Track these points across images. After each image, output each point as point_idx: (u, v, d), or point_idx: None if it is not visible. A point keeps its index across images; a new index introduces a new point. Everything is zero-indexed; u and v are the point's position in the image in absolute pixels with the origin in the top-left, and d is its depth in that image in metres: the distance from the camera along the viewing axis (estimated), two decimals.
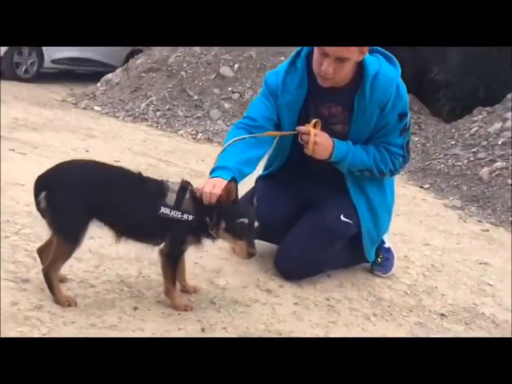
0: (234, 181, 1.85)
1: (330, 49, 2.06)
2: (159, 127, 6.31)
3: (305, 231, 2.38)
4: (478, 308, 2.59)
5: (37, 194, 1.74)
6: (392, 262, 2.74)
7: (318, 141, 2.20)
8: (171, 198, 1.84)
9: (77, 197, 1.73)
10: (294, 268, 2.36)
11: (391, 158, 2.33)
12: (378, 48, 2.33)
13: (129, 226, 1.86)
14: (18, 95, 7.06)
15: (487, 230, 4.21)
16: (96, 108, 6.91)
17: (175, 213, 1.82)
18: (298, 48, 2.33)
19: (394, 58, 2.33)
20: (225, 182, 1.89)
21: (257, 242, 2.83)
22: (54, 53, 8.94)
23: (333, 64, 2.10)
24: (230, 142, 2.16)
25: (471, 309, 2.56)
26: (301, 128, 2.22)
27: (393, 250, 2.78)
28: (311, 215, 2.43)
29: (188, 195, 1.86)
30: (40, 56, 8.74)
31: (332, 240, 2.38)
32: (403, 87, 2.27)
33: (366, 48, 2.13)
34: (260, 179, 2.44)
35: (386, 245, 2.73)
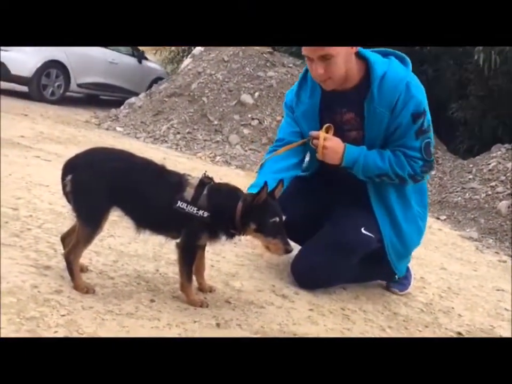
0: (265, 184, 1.85)
1: (309, 52, 2.10)
2: (179, 149, 6.41)
3: (324, 242, 2.36)
4: (495, 330, 2.54)
5: (63, 178, 1.79)
6: (409, 280, 2.71)
7: (328, 145, 2.22)
8: (189, 192, 1.85)
9: (100, 182, 1.77)
10: (308, 276, 2.35)
11: (408, 162, 2.23)
12: (392, 50, 2.32)
13: (147, 217, 1.89)
14: (44, 114, 7.26)
15: (505, 261, 4.15)
16: (118, 128, 7.06)
17: (191, 208, 1.83)
18: None
19: (408, 59, 2.29)
20: None
21: None
22: (80, 77, 9.24)
23: (320, 64, 2.10)
24: (258, 167, 2.30)
25: (488, 331, 2.51)
26: (312, 133, 2.26)
27: (411, 269, 2.75)
28: (331, 226, 2.40)
29: (206, 191, 1.88)
30: (67, 80, 9.02)
31: (349, 254, 2.34)
32: (416, 85, 2.19)
33: None
34: (294, 178, 2.43)
35: None
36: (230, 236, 1.93)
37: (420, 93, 2.19)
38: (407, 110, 2.15)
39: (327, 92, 2.27)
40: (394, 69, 2.19)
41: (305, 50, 2.13)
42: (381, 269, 2.53)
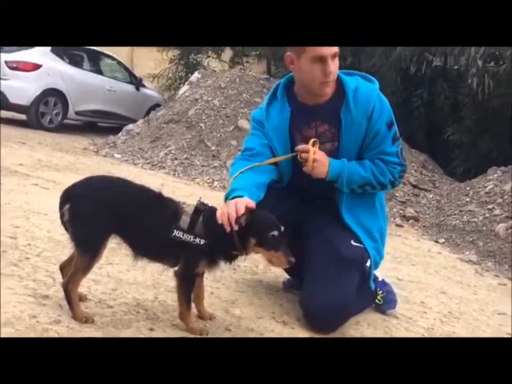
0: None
1: (327, 50, 2.16)
2: (176, 175, 6.43)
3: (322, 270, 2.30)
4: None
5: (61, 207, 1.80)
6: (393, 292, 2.70)
7: (317, 158, 2.25)
8: (185, 221, 1.86)
9: (98, 211, 1.78)
10: (324, 318, 2.21)
11: (388, 168, 2.31)
12: (354, 72, 2.44)
13: (145, 245, 1.89)
14: (42, 142, 7.30)
15: (505, 284, 4.13)
16: (116, 155, 7.09)
17: (188, 237, 1.83)
18: (276, 83, 2.48)
19: (372, 77, 2.43)
20: (244, 199, 1.94)
21: (274, 277, 2.84)
22: (78, 105, 9.31)
23: (332, 63, 2.18)
24: (236, 174, 2.21)
25: None
26: (300, 147, 2.29)
27: (386, 280, 2.73)
28: (321, 250, 2.35)
29: (201, 218, 1.88)
30: (65, 107, 9.08)
31: (350, 269, 2.31)
32: (384, 98, 2.34)
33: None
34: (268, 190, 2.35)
35: (380, 279, 2.67)
36: (231, 258, 1.92)
37: (388, 104, 2.35)
38: (382, 118, 2.28)
39: (296, 108, 2.34)
40: (363, 83, 2.34)
41: (324, 49, 2.15)
42: (364, 294, 2.48)
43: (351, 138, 2.29)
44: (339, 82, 2.30)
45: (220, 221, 1.85)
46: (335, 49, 2.18)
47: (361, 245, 2.37)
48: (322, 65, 2.18)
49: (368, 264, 2.39)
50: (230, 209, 1.85)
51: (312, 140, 2.28)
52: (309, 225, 2.45)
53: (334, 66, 2.20)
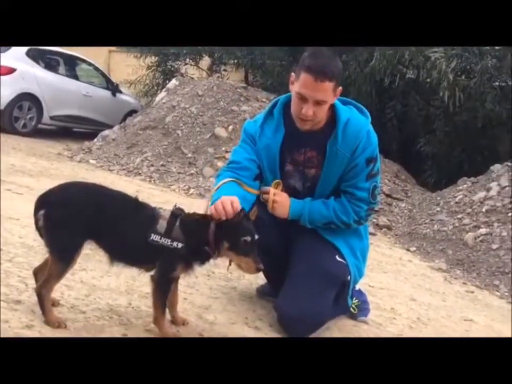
0: (242, 210, 1.93)
1: (309, 94, 2.20)
2: (152, 181, 6.43)
3: (303, 278, 2.35)
4: None
5: (36, 213, 1.80)
6: (368, 302, 2.78)
7: (277, 200, 2.35)
8: (162, 225, 1.89)
9: (73, 217, 1.79)
10: (299, 324, 2.26)
11: (353, 208, 2.38)
12: (351, 100, 2.50)
13: (121, 250, 1.91)
14: (16, 147, 7.21)
15: (472, 292, 4.25)
16: (92, 161, 7.05)
17: (165, 240, 1.87)
18: (275, 99, 2.51)
19: (366, 109, 2.48)
20: (236, 198, 2.01)
21: (248, 284, 2.87)
22: (53, 110, 9.21)
23: (312, 107, 2.23)
24: (219, 184, 2.26)
25: None
26: (263, 189, 2.40)
27: (362, 289, 2.81)
28: (304, 261, 2.40)
29: (178, 222, 1.91)
30: (40, 112, 8.98)
31: (332, 283, 2.38)
32: (373, 134, 2.38)
33: (338, 91, 2.30)
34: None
35: (357, 288, 2.73)
36: (205, 258, 1.95)
37: (375, 141, 2.39)
38: (364, 154, 2.34)
39: (290, 131, 2.38)
40: (356, 117, 2.38)
41: (305, 91, 2.20)
42: (339, 305, 2.53)
43: (333, 168, 2.36)
44: (333, 112, 2.36)
45: (217, 215, 1.93)
46: (320, 96, 2.20)
47: (344, 261, 2.43)
48: (302, 103, 2.24)
49: (347, 280, 2.44)
50: (226, 206, 1.94)
51: (275, 181, 2.38)
52: (296, 237, 2.49)
53: (316, 110, 2.23)
